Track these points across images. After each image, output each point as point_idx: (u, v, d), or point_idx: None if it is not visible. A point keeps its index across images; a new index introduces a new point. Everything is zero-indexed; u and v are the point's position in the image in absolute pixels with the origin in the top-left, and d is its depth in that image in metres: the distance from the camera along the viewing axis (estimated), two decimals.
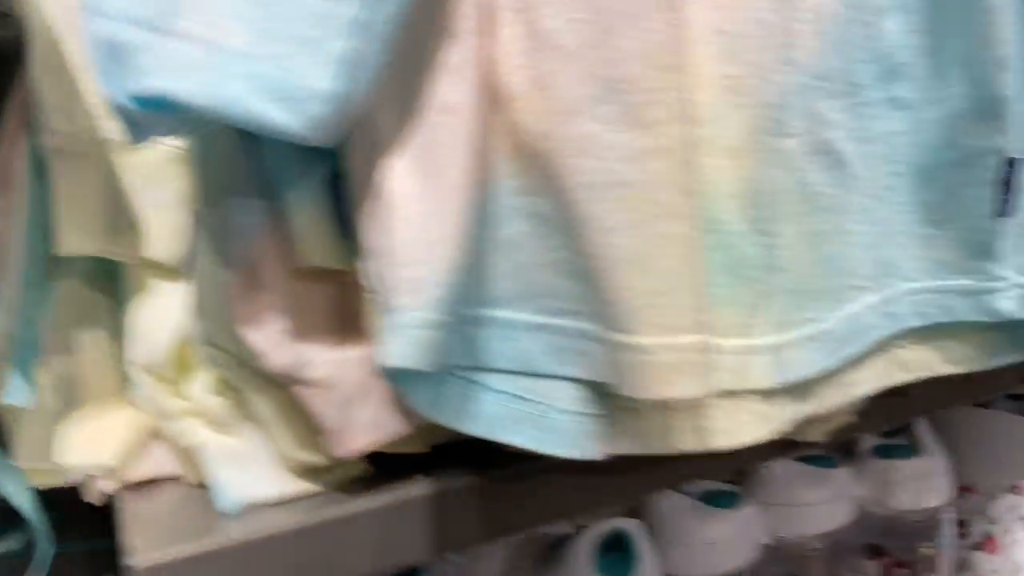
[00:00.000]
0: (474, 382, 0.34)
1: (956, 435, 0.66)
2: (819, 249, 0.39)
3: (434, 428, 0.35)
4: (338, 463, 0.39)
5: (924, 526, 0.58)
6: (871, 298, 0.40)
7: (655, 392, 0.31)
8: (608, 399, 0.35)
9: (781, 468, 0.55)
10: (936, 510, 0.58)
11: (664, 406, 0.36)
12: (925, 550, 0.58)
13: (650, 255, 0.31)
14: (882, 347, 0.42)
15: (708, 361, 0.32)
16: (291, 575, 0.34)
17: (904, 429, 0.60)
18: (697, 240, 0.32)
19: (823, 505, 0.55)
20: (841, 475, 0.56)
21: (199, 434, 0.36)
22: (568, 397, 0.34)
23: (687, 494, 0.53)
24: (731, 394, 0.37)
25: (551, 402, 0.34)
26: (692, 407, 0.36)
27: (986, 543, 0.65)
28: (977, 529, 0.65)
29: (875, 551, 0.59)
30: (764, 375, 0.37)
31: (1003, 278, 0.40)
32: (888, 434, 0.61)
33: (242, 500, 0.35)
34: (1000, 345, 0.43)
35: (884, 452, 0.59)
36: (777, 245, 0.38)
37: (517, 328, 0.34)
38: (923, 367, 0.43)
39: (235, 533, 0.32)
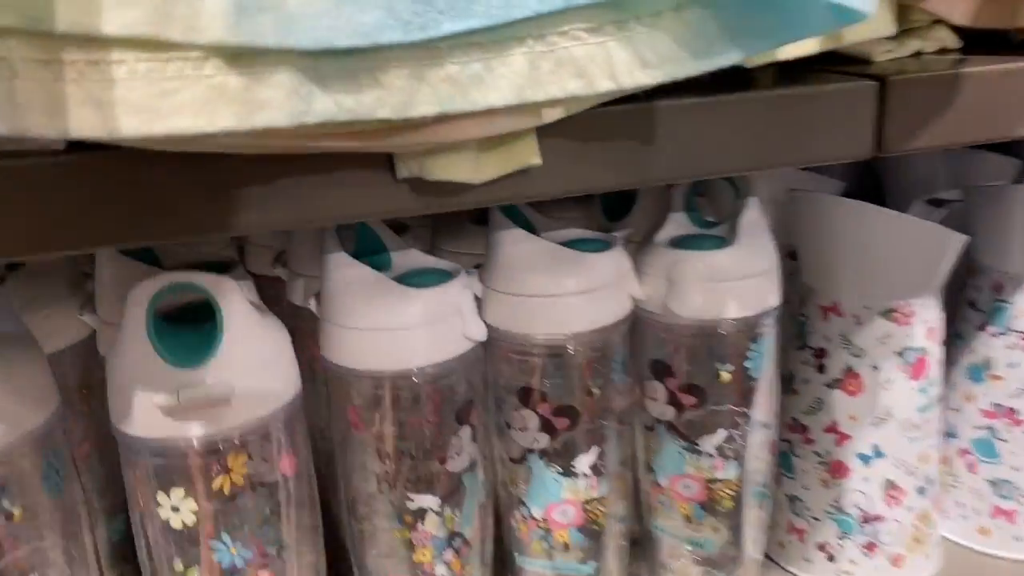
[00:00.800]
0: None
1: (816, 236, 0.50)
2: None
3: None
4: None
5: (728, 344, 0.44)
6: None
7: None
8: None
9: (522, 247, 0.41)
10: (746, 323, 0.43)
11: (52, 63, 0.23)
12: (725, 374, 0.44)
13: None
14: (535, 34, 0.27)
15: None
16: None
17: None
18: None
19: (571, 299, 0.41)
20: (606, 263, 0.42)
21: None
22: None
23: (380, 268, 0.40)
24: (156, 47, 0.23)
25: None
26: (89, 64, 0.23)
27: (847, 380, 0.50)
28: (836, 361, 0.50)
29: (660, 369, 0.45)
30: (224, 25, 0.23)
31: None
32: (706, 223, 0.46)
33: None
34: (709, 32, 0.27)
35: (684, 242, 0.44)
36: None
37: None
38: (604, 71, 0.27)
39: None
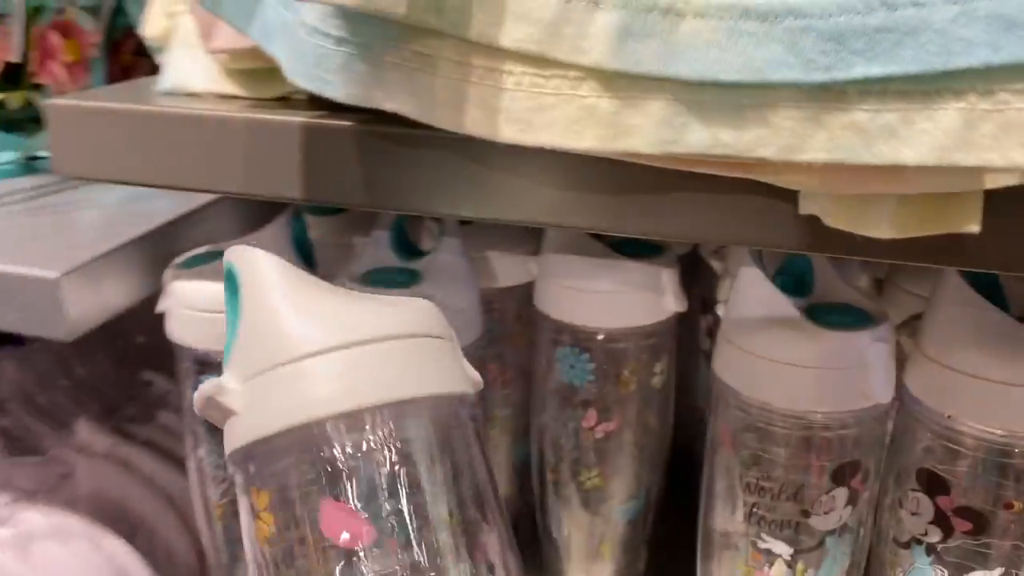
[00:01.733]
0: None
1: None
2: None
3: None
4: (267, 73, 0.36)
5: None
6: None
7: None
8: (395, 31, 0.25)
9: (966, 311, 0.34)
10: None
11: (463, 65, 0.25)
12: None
13: None
14: (981, 88, 0.23)
15: None
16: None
17: None
18: None
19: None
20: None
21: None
22: (316, 10, 0.26)
23: (799, 290, 0.37)
24: (542, 63, 0.24)
25: (301, 14, 0.26)
26: (487, 71, 0.25)
27: None
28: None
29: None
30: (607, 49, 0.23)
31: None
32: None
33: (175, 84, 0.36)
34: None
35: None
36: None
37: None
38: None
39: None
